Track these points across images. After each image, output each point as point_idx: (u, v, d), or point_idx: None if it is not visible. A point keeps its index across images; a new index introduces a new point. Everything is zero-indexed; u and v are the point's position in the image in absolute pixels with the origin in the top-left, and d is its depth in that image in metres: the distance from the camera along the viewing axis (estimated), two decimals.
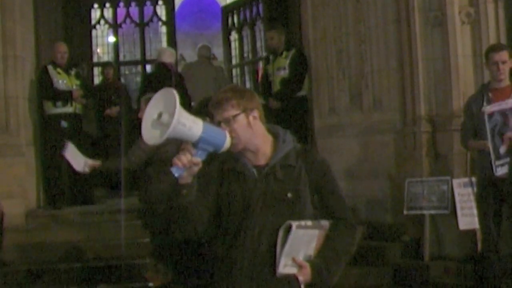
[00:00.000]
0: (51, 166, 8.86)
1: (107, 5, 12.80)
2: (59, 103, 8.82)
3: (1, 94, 8.46)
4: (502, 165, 4.87)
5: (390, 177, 7.91)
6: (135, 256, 7.33)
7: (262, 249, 3.12)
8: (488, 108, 4.74)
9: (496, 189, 5.85)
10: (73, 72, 9.15)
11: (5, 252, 7.46)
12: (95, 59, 13.00)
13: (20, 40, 8.63)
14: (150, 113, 2.93)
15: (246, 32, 12.08)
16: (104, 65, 11.36)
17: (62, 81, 8.91)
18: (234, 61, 12.41)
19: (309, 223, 3.12)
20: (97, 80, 12.24)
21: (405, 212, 7.39)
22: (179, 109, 2.81)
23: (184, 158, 2.94)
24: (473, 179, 6.71)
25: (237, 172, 3.21)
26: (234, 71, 12.37)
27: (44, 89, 8.83)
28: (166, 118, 2.84)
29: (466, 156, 7.06)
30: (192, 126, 2.90)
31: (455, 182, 7.07)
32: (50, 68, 8.90)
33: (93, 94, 9.89)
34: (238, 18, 12.19)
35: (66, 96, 8.83)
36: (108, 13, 12.91)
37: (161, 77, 9.38)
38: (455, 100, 7.32)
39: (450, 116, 7.35)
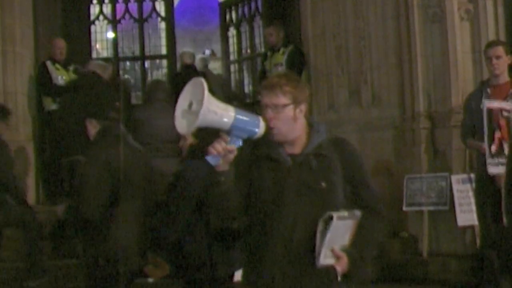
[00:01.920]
0: (51, 162, 8.86)
1: (106, 0, 12.77)
2: (58, 99, 8.81)
3: (0, 90, 8.46)
4: (493, 165, 4.84)
5: (389, 173, 7.92)
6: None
7: (296, 239, 3.10)
8: (487, 102, 4.73)
9: (495, 186, 5.86)
10: (71, 68, 9.14)
11: (3, 249, 7.48)
12: (94, 55, 12.97)
13: (19, 36, 8.64)
14: (181, 103, 2.93)
15: (244, 28, 12.07)
16: (103, 61, 11.33)
17: (61, 77, 8.90)
18: (232, 57, 12.40)
19: (346, 213, 3.09)
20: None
21: (404, 208, 7.40)
22: (207, 97, 2.82)
23: (219, 146, 2.94)
24: (472, 175, 6.73)
25: (271, 159, 3.19)
26: (232, 67, 12.35)
27: (43, 85, 8.83)
28: (196, 107, 2.85)
29: (465, 153, 7.08)
30: (223, 113, 2.90)
31: (454, 178, 7.08)
32: (48, 64, 8.89)
33: None
34: (237, 14, 12.18)
35: (65, 92, 8.82)
36: (107, 9, 12.89)
37: (186, 76, 9.47)
38: (454, 96, 7.33)
39: (449, 112, 7.36)
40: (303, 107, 3.20)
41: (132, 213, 4.81)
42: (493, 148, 4.82)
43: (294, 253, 3.11)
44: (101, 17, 12.83)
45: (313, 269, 3.09)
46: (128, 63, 14.50)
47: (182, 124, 2.93)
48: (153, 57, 13.94)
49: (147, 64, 13.06)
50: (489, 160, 5.01)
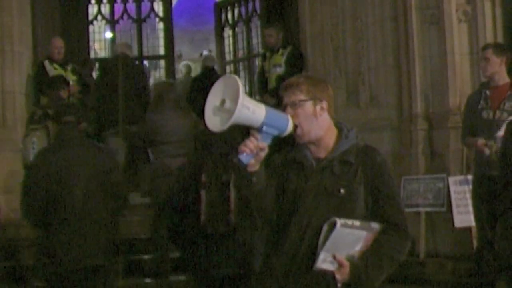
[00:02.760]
0: None
1: (104, 1, 12.80)
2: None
3: None
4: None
5: None
6: (135, 251, 7.35)
7: (305, 242, 3.09)
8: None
9: (491, 187, 5.86)
10: (69, 68, 9.14)
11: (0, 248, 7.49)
12: (92, 55, 12.98)
13: (17, 35, 8.63)
14: (212, 101, 2.93)
15: (240, 28, 12.09)
16: (101, 61, 11.35)
17: None
18: (228, 58, 12.41)
19: (357, 223, 3.03)
20: (94, 75, 12.23)
21: None
22: (242, 92, 2.83)
23: (251, 144, 2.95)
24: (469, 176, 6.74)
25: (297, 162, 3.20)
26: (227, 67, 12.36)
27: (41, 84, 8.83)
28: (229, 104, 2.85)
29: (462, 154, 7.09)
30: (255, 109, 2.91)
31: (451, 179, 7.09)
32: (46, 63, 8.90)
33: (90, 90, 9.89)
34: (233, 14, 12.19)
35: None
36: (105, 9, 12.91)
37: (209, 79, 9.74)
38: (452, 97, 7.34)
39: (447, 113, 7.36)
40: (325, 104, 3.18)
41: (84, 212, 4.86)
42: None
43: (300, 255, 3.10)
44: (99, 17, 12.85)
45: (313, 272, 3.07)
46: None
47: (215, 121, 2.91)
48: (151, 57, 13.96)
49: (145, 64, 13.07)
50: None
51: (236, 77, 2.93)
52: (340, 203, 3.11)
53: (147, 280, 7.12)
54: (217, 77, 10.10)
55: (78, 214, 4.87)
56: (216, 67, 11.14)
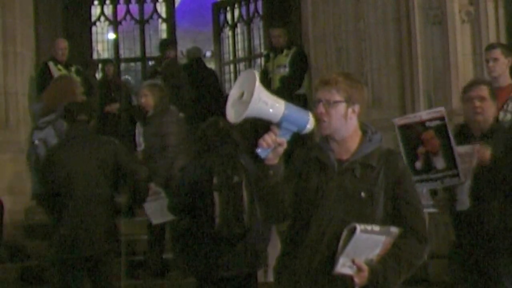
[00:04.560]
0: None
1: (107, 2, 12.82)
2: None
3: (1, 90, 8.48)
4: (419, 181, 4.63)
5: None
6: (135, 252, 7.35)
7: (324, 243, 3.09)
8: (397, 120, 4.56)
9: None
10: (73, 69, 9.15)
11: (4, 248, 7.48)
12: (95, 56, 12.99)
13: (20, 36, 8.64)
14: (233, 93, 2.97)
15: (241, 29, 12.09)
16: (104, 62, 11.37)
17: None
18: (227, 58, 12.42)
19: (376, 228, 3.04)
20: (97, 77, 12.23)
21: None
22: (258, 86, 2.86)
23: (269, 138, 2.95)
24: None
25: (319, 161, 3.18)
26: (227, 68, 12.36)
27: (45, 86, 8.82)
28: (247, 97, 2.88)
29: None
30: (274, 104, 2.93)
31: None
32: (51, 64, 8.90)
33: (94, 91, 9.89)
34: (232, 15, 12.20)
35: None
36: (108, 10, 12.93)
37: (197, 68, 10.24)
38: (455, 98, 7.32)
39: (450, 114, 7.33)
40: (357, 108, 3.16)
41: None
42: (418, 164, 4.58)
43: (320, 256, 3.10)
44: (102, 18, 12.87)
45: (332, 276, 3.07)
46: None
47: (232, 113, 2.95)
48: (154, 58, 13.95)
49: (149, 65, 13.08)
50: (414, 178, 4.71)
51: (256, 71, 2.95)
52: (360, 206, 3.11)
53: (150, 280, 7.12)
54: (203, 67, 10.23)
55: (85, 203, 5.26)
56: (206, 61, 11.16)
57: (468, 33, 7.43)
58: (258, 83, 2.86)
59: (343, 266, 3.05)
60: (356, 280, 3.05)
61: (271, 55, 9.19)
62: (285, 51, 8.94)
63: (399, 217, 3.16)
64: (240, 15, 12.06)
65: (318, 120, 3.10)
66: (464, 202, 4.52)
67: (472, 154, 4.45)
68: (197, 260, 5.05)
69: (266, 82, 9.15)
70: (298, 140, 3.14)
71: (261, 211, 3.25)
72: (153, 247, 7.03)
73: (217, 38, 12.45)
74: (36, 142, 6.64)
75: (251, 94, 2.84)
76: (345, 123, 3.14)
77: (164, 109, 6.96)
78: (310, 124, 3.01)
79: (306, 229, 3.14)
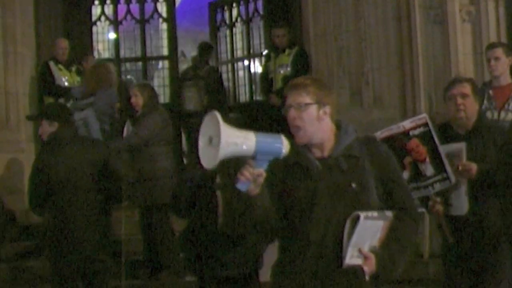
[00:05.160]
0: None
1: (108, 1, 12.78)
2: (61, 100, 8.81)
3: (1, 90, 8.48)
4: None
5: None
6: (135, 252, 7.34)
7: (327, 241, 3.10)
8: (379, 133, 4.51)
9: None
10: (73, 69, 9.15)
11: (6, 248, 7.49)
12: (95, 56, 12.97)
13: (20, 36, 8.65)
14: (202, 139, 2.97)
15: (239, 28, 12.08)
16: (106, 61, 11.34)
17: (64, 78, 8.90)
18: (225, 58, 12.41)
19: (375, 213, 3.10)
20: None
21: None
22: (224, 130, 2.85)
23: (246, 172, 2.94)
24: None
25: (301, 166, 3.19)
26: (224, 67, 12.33)
27: (47, 85, 8.83)
28: (216, 141, 2.88)
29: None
30: (244, 141, 2.92)
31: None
32: (51, 64, 8.90)
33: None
34: (230, 14, 12.18)
35: (68, 93, 8.82)
36: (108, 9, 12.89)
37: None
38: None
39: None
40: (328, 109, 3.19)
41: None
42: (405, 174, 4.51)
43: (325, 256, 3.11)
44: (102, 18, 12.82)
45: (342, 270, 3.09)
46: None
47: (206, 158, 2.95)
48: (154, 58, 13.94)
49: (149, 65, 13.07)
50: None
51: (217, 113, 2.91)
52: (354, 198, 3.13)
53: (150, 281, 7.12)
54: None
55: (75, 201, 5.32)
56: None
57: (469, 32, 7.44)
58: (222, 126, 2.85)
59: (352, 257, 3.08)
60: (366, 268, 3.08)
61: (272, 54, 9.18)
62: (287, 51, 8.93)
63: (391, 199, 3.22)
64: (239, 14, 12.05)
65: (292, 128, 3.13)
66: (461, 207, 4.49)
67: (461, 153, 4.44)
68: (199, 259, 5.05)
69: (267, 82, 9.16)
70: None
71: (223, 216, 3.26)
72: (147, 246, 7.06)
73: (213, 38, 12.44)
74: (77, 122, 7.21)
75: (219, 139, 2.84)
76: (318, 125, 3.17)
77: (151, 109, 6.99)
78: (284, 148, 3.01)
79: (302, 235, 3.14)
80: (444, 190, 4.47)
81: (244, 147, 2.91)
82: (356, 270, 3.09)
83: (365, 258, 3.09)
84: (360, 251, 3.08)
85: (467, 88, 4.59)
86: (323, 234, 3.11)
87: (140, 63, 13.26)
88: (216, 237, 4.93)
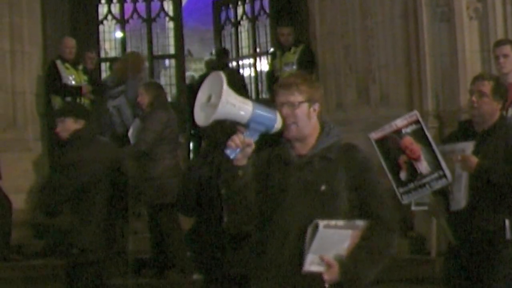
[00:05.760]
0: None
1: (114, 0, 12.81)
2: (68, 99, 8.83)
3: (9, 89, 8.49)
4: (407, 192, 4.52)
5: None
6: (141, 250, 7.35)
7: (290, 240, 3.12)
8: (373, 134, 4.47)
9: None
10: (80, 68, 9.16)
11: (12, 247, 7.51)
12: (102, 55, 13.00)
13: (27, 35, 8.67)
14: (200, 96, 3.01)
15: (245, 26, 12.09)
16: (112, 60, 11.36)
17: (71, 76, 8.91)
18: (230, 56, 12.41)
19: (340, 223, 3.07)
20: (104, 75, 12.25)
21: (412, 208, 7.35)
22: (226, 89, 2.90)
23: (237, 139, 3.01)
24: None
25: (280, 158, 3.26)
26: (229, 65, 12.34)
27: (54, 84, 8.84)
28: (214, 100, 2.92)
29: None
30: (241, 106, 2.98)
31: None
32: (58, 63, 8.89)
33: (101, 90, 9.90)
34: (235, 12, 12.19)
35: (75, 92, 8.83)
36: (115, 8, 12.92)
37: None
38: (463, 95, 7.30)
39: (457, 111, 7.33)
40: (317, 106, 3.25)
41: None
42: (403, 174, 4.46)
43: (288, 253, 3.13)
44: (109, 17, 12.86)
45: (302, 273, 3.10)
46: None
47: (201, 116, 3.00)
48: (161, 57, 13.96)
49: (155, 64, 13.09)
50: (400, 190, 4.43)
51: (222, 73, 2.98)
52: (321, 200, 3.15)
53: (155, 279, 7.13)
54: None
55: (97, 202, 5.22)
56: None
57: (476, 30, 7.42)
58: (225, 85, 2.90)
59: (312, 264, 3.06)
60: (326, 277, 3.07)
61: (278, 53, 9.17)
62: (292, 49, 8.92)
63: (365, 208, 3.21)
64: (244, 13, 12.06)
65: (285, 123, 3.17)
66: (459, 201, 4.47)
67: (464, 153, 4.41)
68: (204, 258, 5.05)
69: (273, 80, 9.15)
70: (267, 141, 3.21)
71: (228, 215, 3.27)
72: (155, 245, 7.07)
73: (218, 36, 12.46)
74: (111, 109, 7.51)
75: (219, 97, 2.88)
76: (308, 122, 3.23)
77: (156, 107, 6.96)
78: (277, 124, 3.08)
79: (270, 229, 3.18)
80: (442, 188, 4.44)
81: (241, 111, 2.97)
82: (316, 277, 3.09)
83: (327, 266, 3.08)
84: (321, 258, 3.06)
85: (486, 87, 4.50)
86: (286, 232, 3.14)
87: (146, 62, 13.27)
88: (222, 235, 4.93)
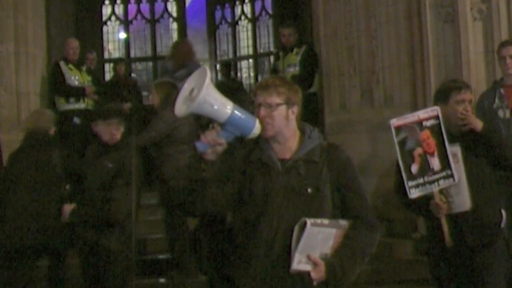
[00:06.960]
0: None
1: (118, 1, 12.84)
2: (72, 100, 8.84)
3: (13, 90, 8.50)
4: (415, 186, 4.49)
5: None
6: (148, 251, 7.37)
7: (277, 242, 3.16)
8: (394, 121, 4.45)
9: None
10: (84, 68, 9.17)
11: None
12: (106, 56, 13.02)
13: (31, 36, 8.68)
14: (185, 88, 3.05)
15: (244, 27, 12.10)
16: (115, 61, 11.38)
17: (74, 77, 8.93)
18: (226, 57, 12.43)
19: (325, 221, 3.13)
20: (108, 76, 12.28)
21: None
22: (207, 86, 2.92)
23: (210, 136, 3.05)
24: None
25: (262, 163, 3.26)
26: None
27: (57, 85, 8.86)
28: (196, 94, 2.96)
29: None
30: (220, 107, 3.00)
31: None
32: (62, 64, 8.92)
33: (105, 91, 9.92)
34: (233, 12, 12.19)
35: (79, 92, 8.85)
36: (119, 9, 12.96)
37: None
38: None
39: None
40: (295, 109, 3.29)
41: None
42: (414, 168, 4.30)
43: (275, 256, 3.16)
44: (113, 18, 12.89)
45: (290, 273, 3.14)
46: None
47: (182, 108, 3.04)
48: (164, 58, 13.98)
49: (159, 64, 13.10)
50: (410, 183, 4.37)
51: (207, 69, 3.02)
52: (308, 202, 3.19)
53: (162, 280, 7.13)
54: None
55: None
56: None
57: (480, 30, 7.41)
58: (207, 81, 2.92)
59: (300, 263, 3.10)
60: (313, 275, 3.12)
61: (281, 54, 9.17)
62: (295, 50, 8.91)
63: (347, 207, 3.27)
64: (243, 12, 12.06)
65: (261, 122, 3.19)
66: (464, 203, 4.48)
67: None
68: (207, 258, 5.05)
69: None
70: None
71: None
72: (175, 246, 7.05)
73: (211, 36, 12.48)
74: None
75: (198, 94, 2.92)
76: (286, 124, 3.26)
77: (165, 106, 6.92)
78: (255, 130, 3.10)
79: (257, 230, 3.20)
80: (446, 188, 4.46)
81: (218, 111, 3.00)
82: (303, 276, 3.14)
83: (314, 264, 3.12)
84: (308, 257, 3.10)
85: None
86: (273, 235, 3.17)
87: (150, 63, 13.30)
88: (224, 235, 4.93)
